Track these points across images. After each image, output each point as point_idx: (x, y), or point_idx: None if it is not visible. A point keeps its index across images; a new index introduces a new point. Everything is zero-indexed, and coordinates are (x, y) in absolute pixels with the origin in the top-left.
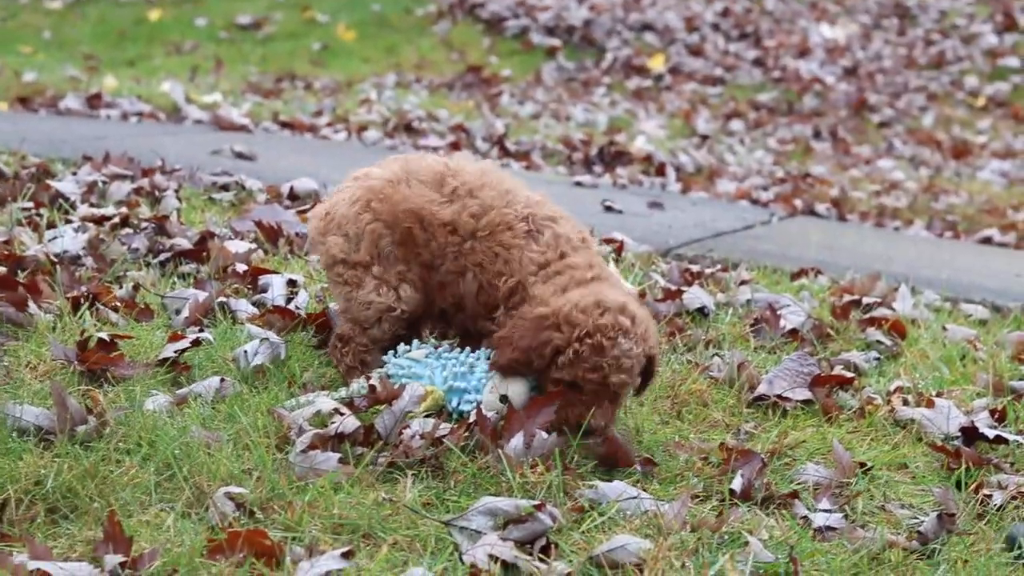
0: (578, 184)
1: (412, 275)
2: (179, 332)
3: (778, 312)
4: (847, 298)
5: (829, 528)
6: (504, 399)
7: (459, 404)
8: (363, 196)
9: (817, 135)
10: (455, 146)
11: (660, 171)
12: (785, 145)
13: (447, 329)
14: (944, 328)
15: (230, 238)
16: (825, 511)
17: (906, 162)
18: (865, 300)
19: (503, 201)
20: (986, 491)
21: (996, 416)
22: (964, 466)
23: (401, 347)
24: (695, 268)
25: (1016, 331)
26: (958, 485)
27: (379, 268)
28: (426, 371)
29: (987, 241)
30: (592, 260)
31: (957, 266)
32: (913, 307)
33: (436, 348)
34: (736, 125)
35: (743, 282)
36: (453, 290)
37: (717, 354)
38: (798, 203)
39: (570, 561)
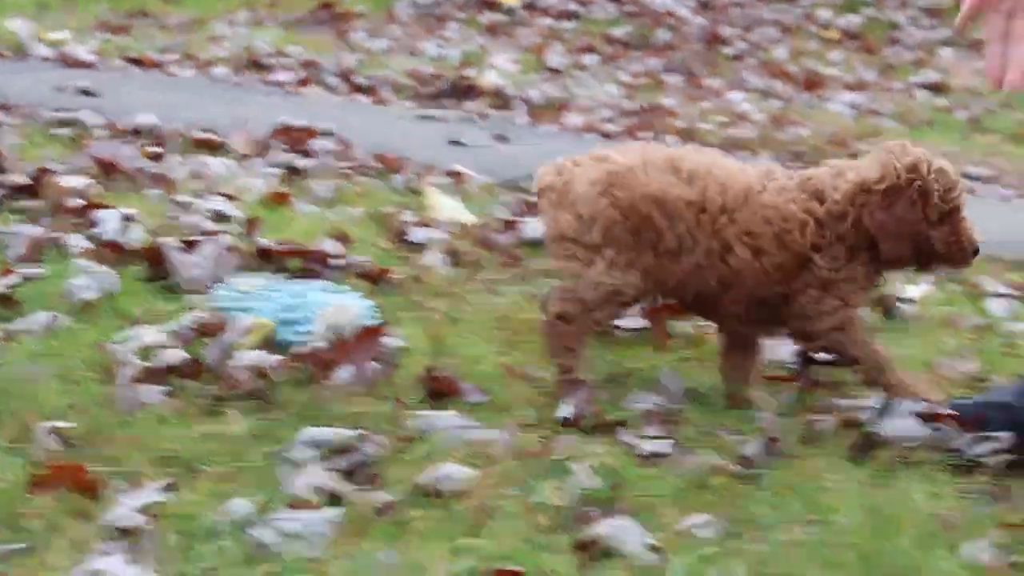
0: (425, 118)
1: (642, 263)
2: (10, 267)
3: None
4: None
5: (656, 454)
6: (335, 329)
7: (289, 336)
8: (603, 179)
9: (669, 68)
10: (304, 82)
11: (509, 105)
12: (638, 79)
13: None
14: None
15: (67, 173)
16: (653, 438)
17: (757, 94)
18: None
19: (741, 172)
20: (815, 416)
21: None
22: (797, 391)
23: (230, 279)
24: (535, 199)
25: None
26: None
27: (611, 251)
28: (257, 303)
29: None
30: None
31: None
32: None
33: (267, 280)
34: (589, 59)
35: None
36: (719, 270)
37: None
38: (645, 135)
39: (394, 490)
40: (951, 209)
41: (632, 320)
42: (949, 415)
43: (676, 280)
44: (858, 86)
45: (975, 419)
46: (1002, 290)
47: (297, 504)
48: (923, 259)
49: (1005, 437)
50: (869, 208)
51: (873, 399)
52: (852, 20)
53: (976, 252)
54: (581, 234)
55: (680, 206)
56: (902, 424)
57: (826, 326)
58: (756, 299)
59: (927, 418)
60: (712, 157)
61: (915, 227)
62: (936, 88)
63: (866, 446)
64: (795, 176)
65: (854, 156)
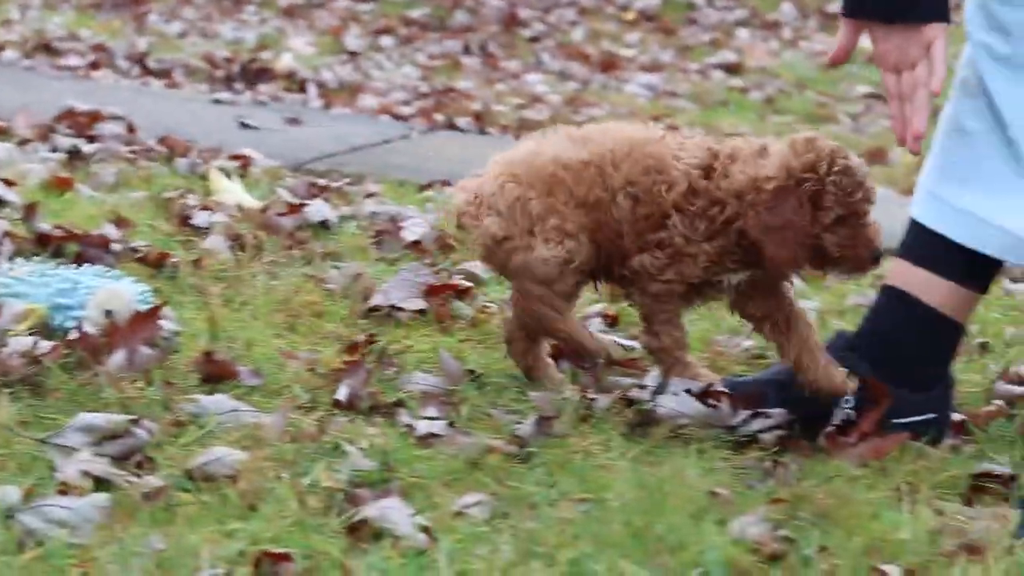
0: (216, 102)
1: (569, 224)
2: None
3: (401, 224)
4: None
5: (432, 435)
6: (109, 314)
7: (63, 321)
8: (504, 169)
9: (467, 50)
10: (95, 66)
11: (303, 88)
12: (434, 61)
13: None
14: None
15: None
16: (429, 419)
17: (554, 76)
18: None
19: (636, 133)
20: (592, 394)
21: (609, 321)
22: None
23: (4, 265)
24: (322, 182)
25: None
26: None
27: (540, 226)
28: (29, 289)
29: None
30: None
31: None
32: None
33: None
34: (386, 41)
35: (369, 195)
36: (608, 221)
37: (335, 266)
38: (439, 117)
39: (165, 475)
40: (849, 213)
41: (413, 301)
42: (725, 393)
43: (595, 238)
44: (654, 67)
45: (751, 396)
46: None
47: (65, 490)
48: (816, 263)
49: (778, 414)
50: (755, 208)
51: (650, 377)
52: (650, 2)
53: (877, 259)
54: (509, 227)
55: (577, 166)
56: (677, 401)
57: (652, 290)
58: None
59: (703, 396)
60: (615, 127)
61: (802, 230)
62: (732, 69)
63: (641, 424)
64: (708, 141)
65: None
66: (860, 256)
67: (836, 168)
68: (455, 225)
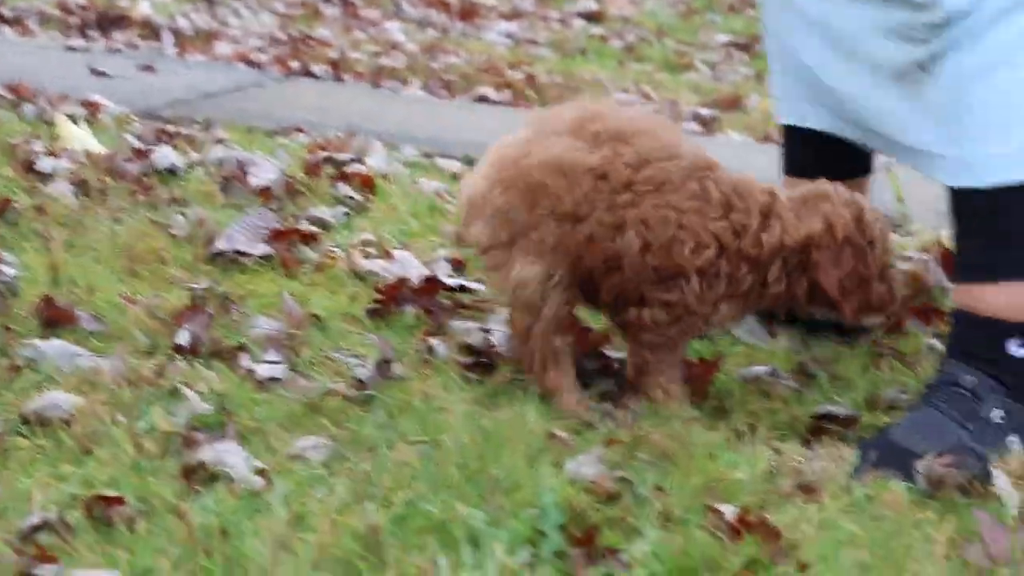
0: (69, 49)
1: (550, 236)
2: None
3: (248, 170)
4: (322, 155)
5: (272, 379)
6: None
7: None
8: (494, 170)
9: None
10: None
11: (159, 35)
12: (293, 9)
13: (595, 297)
14: (416, 182)
15: None
16: (270, 362)
17: (414, 25)
18: (340, 157)
19: (665, 153)
20: (433, 338)
21: (455, 265)
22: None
23: None
24: (171, 129)
25: None
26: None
27: (521, 241)
28: None
29: (483, 99)
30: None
31: (445, 123)
32: (388, 163)
33: None
34: None
35: (218, 141)
36: (606, 248)
37: (180, 212)
38: (295, 65)
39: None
40: (888, 264)
41: (257, 247)
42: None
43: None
44: (514, 15)
45: None
46: None
47: None
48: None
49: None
50: (822, 264)
51: (494, 321)
52: None
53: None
54: (494, 237)
55: (579, 172)
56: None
57: (647, 340)
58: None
59: None
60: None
61: (867, 279)
62: (593, 17)
63: (481, 366)
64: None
65: (507, 84)
66: (895, 303)
67: (878, 223)
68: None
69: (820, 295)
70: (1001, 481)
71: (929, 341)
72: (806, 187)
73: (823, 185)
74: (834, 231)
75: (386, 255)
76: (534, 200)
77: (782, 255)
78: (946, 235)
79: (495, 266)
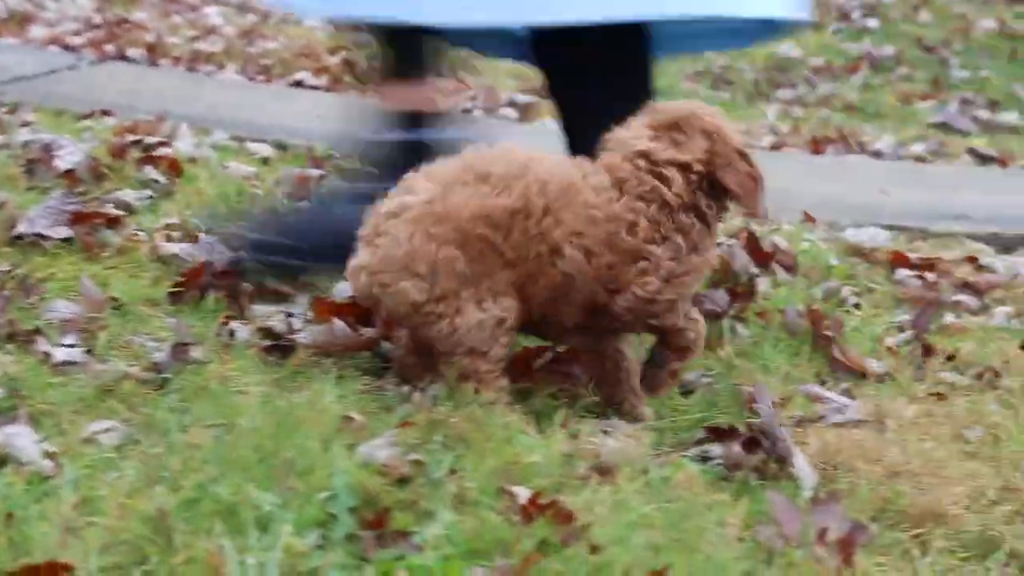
0: None
1: (500, 285)
2: None
3: (54, 152)
4: (130, 138)
5: (68, 362)
6: None
7: None
8: (419, 227)
9: None
10: None
11: None
12: None
13: (553, 336)
14: (225, 166)
15: None
16: (66, 346)
17: (233, 9)
18: (148, 140)
19: (553, 168)
20: (232, 322)
21: None
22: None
23: None
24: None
25: (298, 168)
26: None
27: (469, 290)
28: None
29: (299, 84)
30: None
31: (259, 108)
32: (196, 146)
33: None
34: None
35: (24, 124)
36: (552, 276)
37: None
38: (110, 48)
39: None
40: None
41: (59, 229)
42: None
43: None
44: None
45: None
46: None
47: None
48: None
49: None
50: (725, 168)
51: (296, 308)
52: None
53: None
54: (432, 290)
55: (504, 217)
56: (316, 330)
57: (659, 310)
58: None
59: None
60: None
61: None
62: None
63: (281, 350)
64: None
65: (324, 69)
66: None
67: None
68: (355, 290)
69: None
70: (799, 461)
71: (730, 325)
72: (673, 110)
73: (687, 105)
74: (720, 142)
75: (191, 239)
76: (477, 251)
77: (696, 183)
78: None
79: (431, 319)
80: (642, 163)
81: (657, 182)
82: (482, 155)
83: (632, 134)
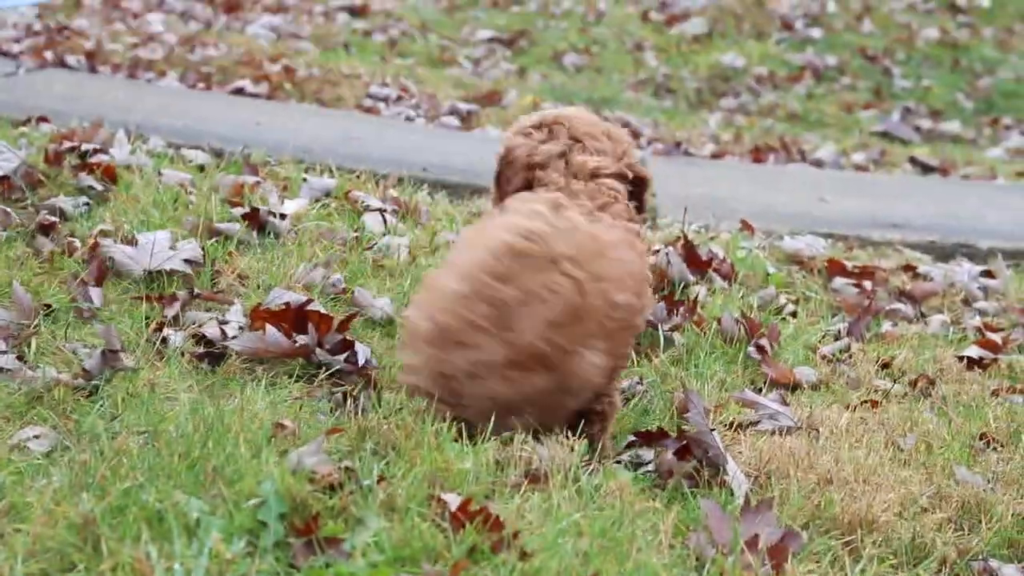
0: None
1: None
2: None
3: None
4: (66, 144)
5: (1, 369)
6: None
7: None
8: (578, 293)
9: None
10: None
11: None
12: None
13: None
14: (160, 173)
15: None
16: None
17: (176, 16)
18: (85, 147)
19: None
20: (164, 328)
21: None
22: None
23: None
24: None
25: (232, 175)
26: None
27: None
28: None
29: (240, 92)
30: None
31: (198, 115)
32: (132, 153)
33: None
34: None
35: None
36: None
37: None
38: (50, 55)
39: None
40: None
41: None
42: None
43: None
44: (279, 8)
45: None
46: (378, 205)
47: None
48: None
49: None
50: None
51: (231, 312)
52: None
53: None
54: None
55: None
56: (249, 337)
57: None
58: None
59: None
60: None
61: None
62: (356, 11)
63: (213, 357)
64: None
65: (264, 77)
66: None
67: None
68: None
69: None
70: (731, 468)
71: (666, 333)
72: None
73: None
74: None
75: (131, 241)
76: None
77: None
78: (691, 229)
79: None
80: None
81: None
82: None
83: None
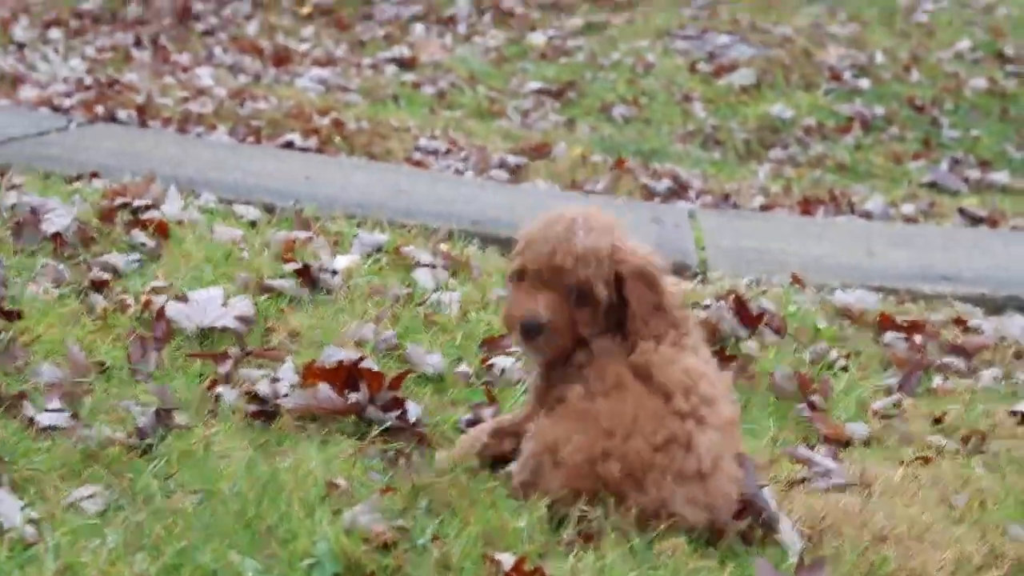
0: None
1: None
2: None
3: (41, 215)
4: (119, 200)
5: (53, 427)
6: None
7: None
8: None
9: (138, 43)
10: None
11: None
12: (104, 54)
13: None
14: (212, 229)
15: None
16: (52, 411)
17: (225, 70)
18: (136, 203)
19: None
20: (216, 386)
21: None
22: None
23: None
24: None
25: (283, 230)
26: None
27: None
28: None
29: (289, 145)
30: None
31: (248, 169)
32: (184, 209)
33: None
34: (55, 33)
35: (12, 187)
36: None
37: None
38: (100, 110)
39: None
40: None
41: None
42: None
43: None
44: (328, 61)
45: None
46: (429, 260)
47: None
48: None
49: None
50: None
51: (282, 371)
52: None
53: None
54: None
55: None
56: (301, 395)
57: None
58: None
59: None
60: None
61: None
62: (405, 63)
63: (266, 415)
64: None
65: (314, 130)
66: None
67: None
68: None
69: None
70: (785, 527)
71: None
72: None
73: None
74: None
75: (179, 300)
76: None
77: None
78: (742, 284)
79: None
80: None
81: None
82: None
83: None
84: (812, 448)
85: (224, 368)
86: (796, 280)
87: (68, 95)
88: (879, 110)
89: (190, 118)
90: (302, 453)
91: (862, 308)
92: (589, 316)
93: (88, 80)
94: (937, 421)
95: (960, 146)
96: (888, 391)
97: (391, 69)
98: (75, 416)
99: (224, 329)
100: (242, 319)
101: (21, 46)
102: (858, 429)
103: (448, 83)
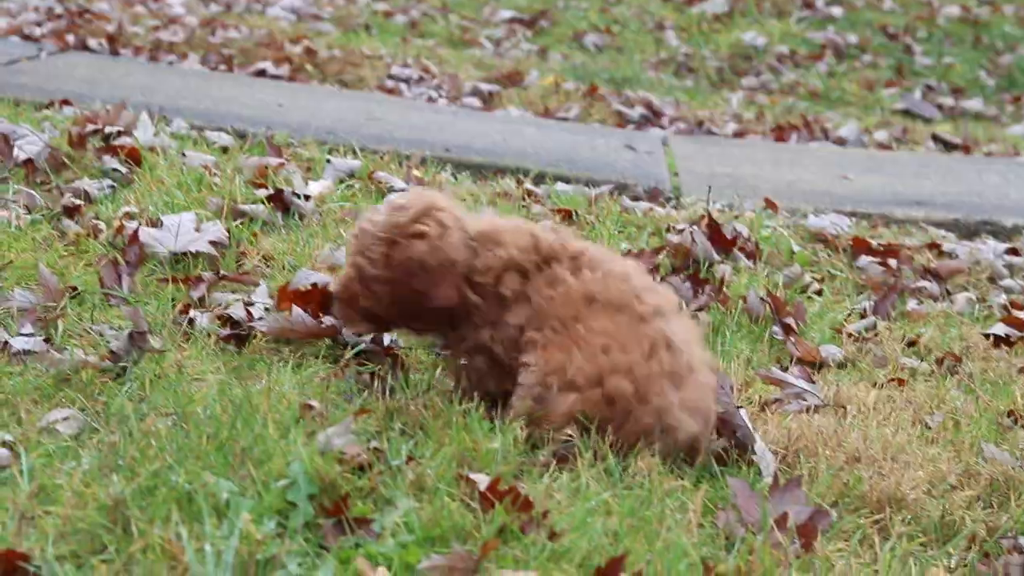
0: None
1: None
2: None
3: (13, 142)
4: (90, 127)
5: (26, 351)
6: None
7: None
8: None
9: None
10: None
11: None
12: None
13: None
14: (184, 155)
15: None
16: (24, 335)
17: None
18: (108, 129)
19: None
20: (190, 310)
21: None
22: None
23: None
24: None
25: (255, 156)
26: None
27: None
28: None
29: (261, 73)
30: None
31: (220, 97)
32: (156, 135)
33: None
34: None
35: None
36: None
37: None
38: (71, 39)
39: None
40: None
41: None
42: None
43: None
44: None
45: None
46: (402, 185)
47: None
48: None
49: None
50: None
51: (256, 293)
52: None
53: None
54: None
55: None
56: (275, 318)
57: None
58: None
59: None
60: None
61: None
62: None
63: (239, 338)
64: None
65: (286, 58)
66: None
67: None
68: None
69: None
70: (759, 448)
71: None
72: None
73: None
74: None
75: (152, 225)
76: None
77: None
78: (714, 208)
79: None
80: None
81: None
82: None
83: None
84: (785, 370)
85: (197, 292)
86: (769, 204)
87: (39, 24)
88: (852, 38)
89: (161, 47)
90: (276, 376)
91: (836, 233)
92: None
93: (59, 9)
94: (911, 344)
95: (933, 73)
96: (862, 314)
97: None
98: (48, 340)
99: (197, 253)
100: (215, 243)
101: None
102: (832, 351)
103: (420, 12)
